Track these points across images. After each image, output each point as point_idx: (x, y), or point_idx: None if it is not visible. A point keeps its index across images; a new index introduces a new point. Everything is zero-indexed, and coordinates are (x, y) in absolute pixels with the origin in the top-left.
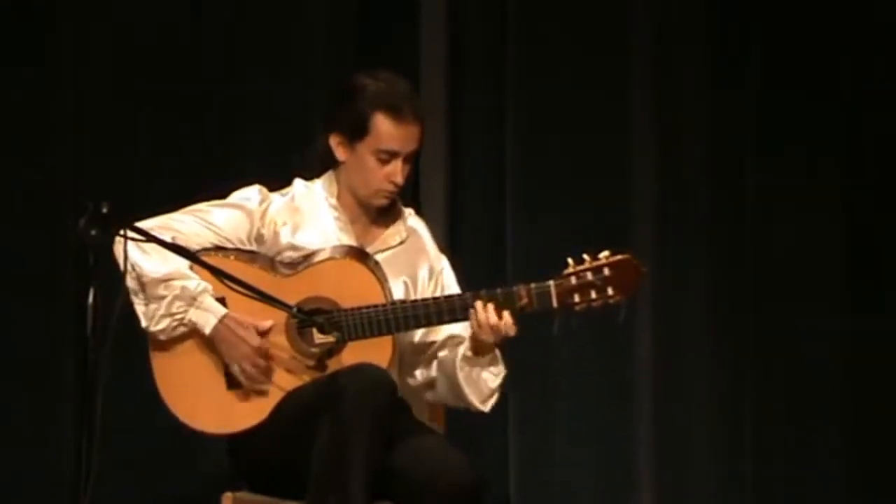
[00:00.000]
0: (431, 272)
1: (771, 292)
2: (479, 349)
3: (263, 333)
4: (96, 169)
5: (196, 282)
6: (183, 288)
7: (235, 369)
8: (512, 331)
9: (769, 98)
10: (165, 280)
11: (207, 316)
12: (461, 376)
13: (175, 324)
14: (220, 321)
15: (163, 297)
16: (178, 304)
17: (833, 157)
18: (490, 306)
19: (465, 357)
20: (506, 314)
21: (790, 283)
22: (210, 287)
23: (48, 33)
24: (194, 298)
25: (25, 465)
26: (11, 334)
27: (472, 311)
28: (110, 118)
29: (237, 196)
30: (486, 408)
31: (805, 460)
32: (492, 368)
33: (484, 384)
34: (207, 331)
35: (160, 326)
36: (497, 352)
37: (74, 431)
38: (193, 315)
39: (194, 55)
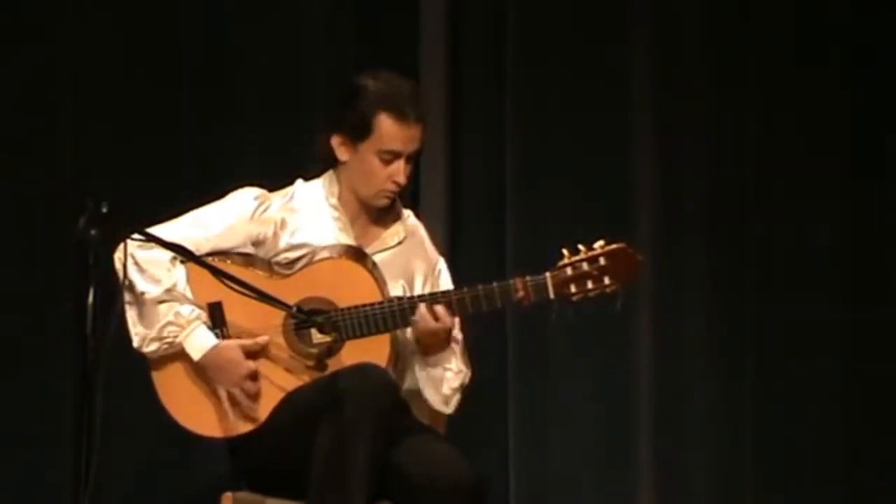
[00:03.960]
0: (427, 273)
1: (771, 291)
2: (426, 349)
3: (254, 355)
4: (96, 169)
5: (189, 308)
6: (176, 314)
7: (223, 394)
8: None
9: (769, 94)
10: (161, 301)
11: (197, 345)
12: (421, 377)
13: (165, 347)
14: (210, 350)
15: (156, 320)
16: (169, 328)
17: (834, 151)
18: (439, 309)
19: (419, 359)
20: (444, 318)
21: (790, 282)
22: (203, 314)
23: (47, 31)
24: (187, 325)
25: (25, 466)
26: (11, 334)
27: (419, 312)
28: (109, 117)
29: (235, 199)
30: (448, 409)
31: (805, 459)
32: (451, 366)
33: (445, 384)
34: (196, 358)
35: (150, 349)
36: (455, 347)
37: (74, 431)
38: (183, 342)
39: (193, 52)
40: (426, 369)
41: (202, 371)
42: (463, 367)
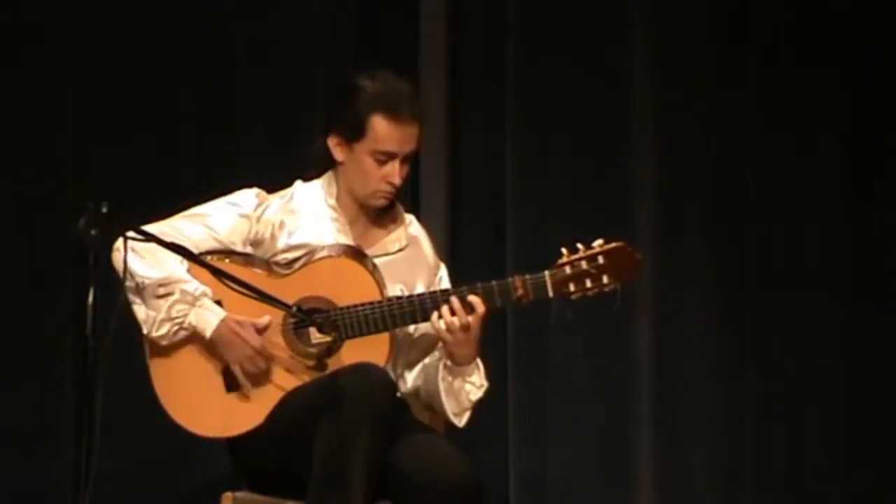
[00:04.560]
0: (429, 281)
1: (771, 291)
2: (456, 358)
3: (262, 330)
4: (96, 169)
5: (195, 284)
6: (182, 291)
7: (237, 369)
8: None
9: (769, 94)
10: (163, 283)
11: (208, 318)
12: (442, 386)
13: (175, 328)
14: (221, 323)
15: (163, 301)
16: (178, 307)
17: (834, 151)
18: (452, 313)
19: (446, 366)
20: (472, 317)
21: (790, 282)
22: (209, 290)
23: (47, 31)
24: (194, 301)
25: (25, 466)
26: (11, 334)
27: (434, 315)
28: (109, 117)
29: (234, 199)
30: (461, 422)
31: (805, 459)
32: (473, 379)
33: (465, 396)
34: (208, 334)
35: (161, 331)
36: (479, 363)
37: (74, 432)
38: (194, 318)
39: (193, 52)
40: (448, 379)
41: (206, 358)
42: (485, 382)
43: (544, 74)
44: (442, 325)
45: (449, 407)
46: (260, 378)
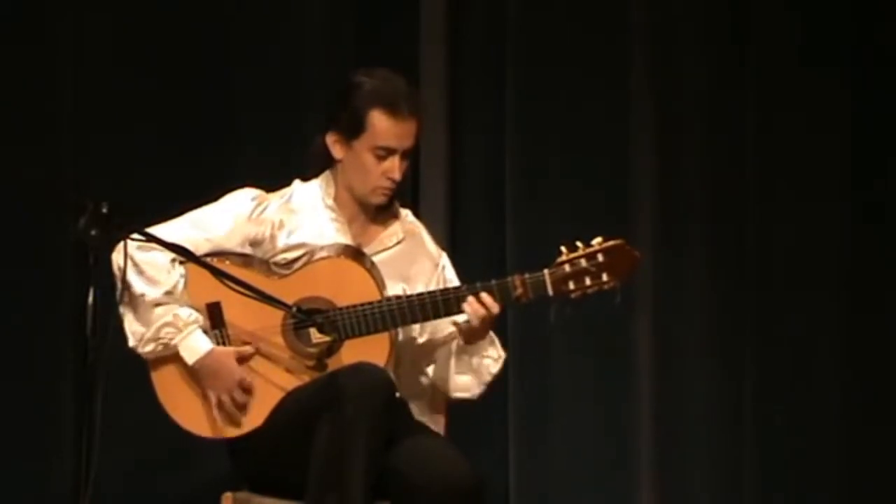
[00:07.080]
0: (431, 271)
1: (771, 291)
2: (472, 338)
3: (244, 360)
4: (96, 169)
5: (188, 310)
6: (175, 315)
7: (213, 400)
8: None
9: (769, 94)
10: (159, 303)
11: (193, 348)
12: (458, 368)
13: (160, 348)
14: (207, 354)
15: (153, 321)
16: (166, 329)
17: (834, 151)
18: (485, 297)
19: (460, 349)
20: (492, 306)
21: (790, 282)
22: (200, 318)
23: (47, 30)
24: (184, 327)
25: (26, 466)
26: (11, 334)
27: (467, 302)
28: (110, 117)
29: (233, 199)
30: (476, 394)
31: (805, 459)
32: (490, 352)
33: (485, 370)
34: (191, 362)
35: (146, 349)
36: (492, 335)
37: (74, 432)
38: (179, 345)
39: (193, 52)
40: (465, 358)
41: (197, 374)
42: (502, 353)
43: (544, 74)
44: (475, 316)
45: (464, 385)
46: (236, 411)
